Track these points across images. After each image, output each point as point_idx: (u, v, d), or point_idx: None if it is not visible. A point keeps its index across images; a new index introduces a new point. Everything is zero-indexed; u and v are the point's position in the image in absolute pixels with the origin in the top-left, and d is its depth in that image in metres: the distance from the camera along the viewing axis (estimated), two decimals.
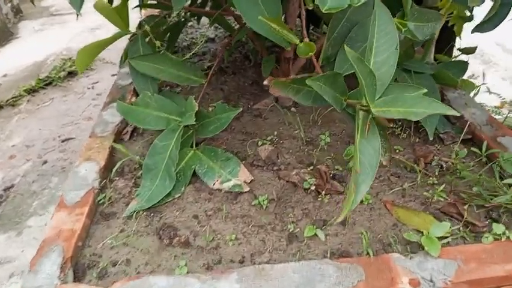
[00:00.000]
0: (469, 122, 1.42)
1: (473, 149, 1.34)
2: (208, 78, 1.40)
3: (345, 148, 1.43)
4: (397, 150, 1.40)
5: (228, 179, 1.32)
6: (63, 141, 2.54)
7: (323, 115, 1.59)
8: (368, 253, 1.03)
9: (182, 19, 1.92)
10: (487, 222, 1.11)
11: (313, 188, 1.25)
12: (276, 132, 1.53)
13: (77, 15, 1.24)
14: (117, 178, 1.40)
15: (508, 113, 1.95)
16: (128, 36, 1.51)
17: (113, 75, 3.35)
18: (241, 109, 1.28)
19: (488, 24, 1.36)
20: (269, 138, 1.50)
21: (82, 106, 2.99)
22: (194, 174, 1.34)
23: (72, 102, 2.99)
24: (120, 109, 1.40)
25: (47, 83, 3.22)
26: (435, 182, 1.25)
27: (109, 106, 1.70)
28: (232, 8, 1.60)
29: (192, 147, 1.39)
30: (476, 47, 1.77)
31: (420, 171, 1.29)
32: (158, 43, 1.27)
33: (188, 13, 1.98)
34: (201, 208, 1.26)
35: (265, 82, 1.01)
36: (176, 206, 1.28)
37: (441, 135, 1.44)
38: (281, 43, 1.07)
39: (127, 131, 1.61)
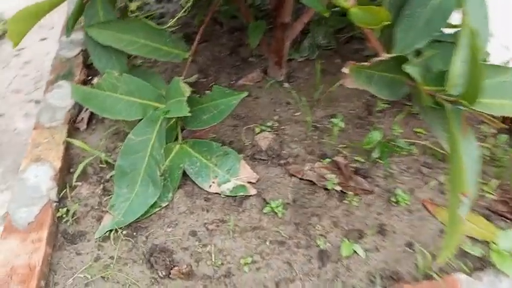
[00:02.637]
0: None
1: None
2: (192, 51, 1.09)
3: (360, 133, 1.20)
4: (419, 133, 1.20)
5: (226, 179, 1.04)
6: None
7: (324, 92, 1.34)
8: (427, 275, 0.83)
9: None
10: None
11: (338, 188, 1.02)
12: (273, 116, 1.26)
13: None
14: (79, 183, 1.07)
15: None
16: None
17: (42, 39, 2.83)
18: (246, 93, 1.00)
19: None
20: (268, 123, 1.23)
21: (8, 77, 2.49)
22: (184, 174, 1.05)
23: None
24: (77, 95, 1.05)
25: None
26: None
27: (54, 86, 1.33)
28: None
29: (176, 140, 1.09)
30: None
31: None
32: (133, 5, 0.92)
33: None
34: (198, 221, 0.98)
35: (344, 70, 0.70)
36: (165, 219, 0.99)
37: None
38: (315, 5, 0.78)
39: (82, 118, 1.27)
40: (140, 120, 1.04)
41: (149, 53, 1.02)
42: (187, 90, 0.91)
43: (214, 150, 1.07)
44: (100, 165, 1.12)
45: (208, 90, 1.37)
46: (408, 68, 0.71)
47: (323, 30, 1.47)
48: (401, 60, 0.73)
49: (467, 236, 0.93)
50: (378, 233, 0.94)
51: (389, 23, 0.70)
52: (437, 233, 0.95)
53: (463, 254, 0.89)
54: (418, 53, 0.79)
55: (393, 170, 1.09)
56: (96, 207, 1.02)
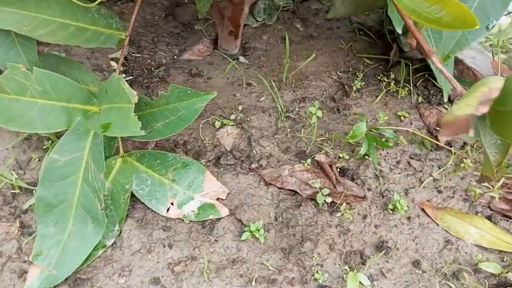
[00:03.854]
0: (472, 70, 1.13)
1: None
2: (130, 29, 0.79)
3: (337, 120, 1.02)
4: (402, 117, 1.05)
5: (188, 197, 0.82)
6: None
7: (291, 69, 1.12)
8: None
9: None
10: None
11: (328, 200, 0.84)
12: (234, 103, 1.03)
13: None
14: None
15: None
16: None
17: None
18: (215, 93, 0.74)
19: None
20: (229, 114, 1.00)
21: None
22: (131, 197, 0.81)
23: None
24: None
25: None
26: (470, 164, 0.95)
27: None
28: None
29: (117, 153, 0.82)
30: None
31: (443, 148, 0.98)
32: None
33: None
34: (159, 261, 0.76)
35: (441, 137, 0.42)
36: (114, 263, 0.75)
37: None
38: None
39: None
40: (65, 131, 0.75)
41: (70, 38, 0.71)
42: (134, 95, 0.64)
43: (169, 162, 0.82)
44: (12, 191, 0.83)
45: (145, 68, 1.10)
46: None
47: None
48: None
49: (473, 244, 0.82)
50: (380, 252, 0.79)
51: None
52: (443, 243, 0.83)
53: (475, 268, 0.78)
54: None
55: (382, 167, 0.94)
56: (15, 257, 0.74)
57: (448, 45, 0.68)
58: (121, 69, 1.08)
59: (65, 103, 0.75)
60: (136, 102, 0.65)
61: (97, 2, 0.69)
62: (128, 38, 0.79)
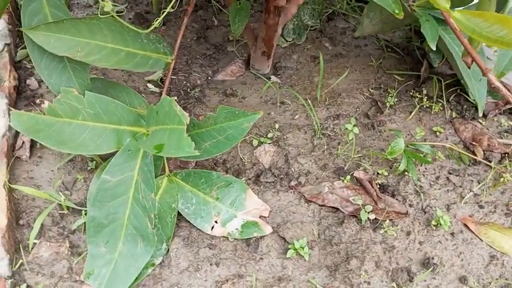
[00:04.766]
0: (505, 84, 1.13)
1: None
2: (174, 55, 0.81)
3: (373, 137, 1.03)
4: (437, 132, 1.05)
5: (232, 215, 0.83)
6: None
7: (323, 87, 1.14)
8: None
9: None
10: None
11: (372, 216, 0.85)
12: (270, 121, 1.04)
13: None
14: (36, 241, 0.80)
15: None
16: None
17: None
18: (261, 113, 0.76)
19: None
20: (266, 132, 1.01)
21: None
22: (178, 215, 0.82)
23: None
24: (20, 124, 0.75)
25: None
26: (509, 178, 0.95)
27: None
28: None
29: (163, 172, 0.84)
30: None
31: (481, 162, 0.97)
32: (107, 4, 0.61)
33: None
34: (207, 280, 0.77)
35: None
36: (164, 282, 0.76)
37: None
38: (388, 6, 0.53)
39: (23, 143, 0.95)
40: (116, 153, 0.77)
41: (121, 63, 0.73)
42: (186, 116, 0.66)
43: (213, 181, 0.84)
44: (60, 212, 0.85)
45: (182, 90, 1.13)
46: None
47: (309, 8, 1.24)
48: None
49: None
50: (427, 269, 0.79)
51: None
52: (488, 259, 0.82)
53: None
54: None
55: (422, 182, 0.94)
56: (66, 276, 0.76)
57: (502, 62, 0.68)
58: (159, 91, 1.11)
59: (115, 125, 0.78)
60: (187, 123, 0.67)
61: (149, 30, 0.71)
62: (173, 61, 0.82)
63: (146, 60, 0.78)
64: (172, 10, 0.69)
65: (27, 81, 1.08)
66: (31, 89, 1.06)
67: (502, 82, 1.12)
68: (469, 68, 0.66)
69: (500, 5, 0.61)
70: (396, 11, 0.53)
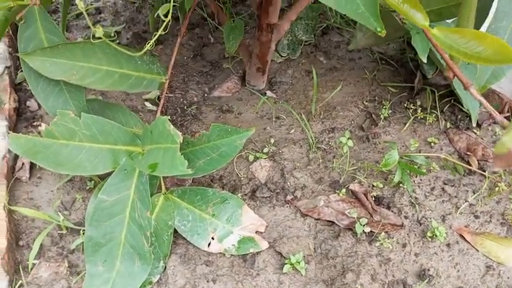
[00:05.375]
0: (498, 94, 1.14)
1: None
2: (168, 75, 0.83)
3: (367, 149, 1.04)
4: (432, 143, 1.06)
5: (228, 231, 0.84)
6: None
7: (318, 100, 1.15)
8: None
9: None
10: None
11: (367, 229, 0.85)
12: (265, 136, 1.06)
13: None
14: (36, 261, 0.81)
15: None
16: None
17: None
18: (253, 130, 0.78)
19: None
20: (261, 147, 1.03)
21: None
22: (175, 232, 0.83)
23: None
24: (18, 147, 0.77)
25: None
26: (504, 187, 0.95)
27: None
28: None
29: (159, 190, 0.85)
30: None
31: (476, 172, 0.98)
32: (99, 30, 0.63)
33: None
34: None
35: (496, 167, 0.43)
36: None
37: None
38: (370, 24, 0.55)
39: (23, 164, 0.97)
40: (112, 172, 0.79)
41: (115, 84, 0.76)
42: (179, 135, 0.68)
43: (209, 198, 0.85)
44: (59, 232, 0.86)
45: (178, 107, 1.15)
46: None
47: (303, 23, 1.27)
48: None
49: None
50: (423, 280, 0.79)
51: None
52: (484, 269, 0.82)
53: None
54: None
55: (417, 194, 0.94)
56: None
57: (484, 76, 0.70)
58: (156, 109, 1.13)
59: (111, 145, 0.79)
60: (181, 142, 0.69)
61: (142, 52, 0.73)
62: (168, 81, 0.84)
63: (140, 81, 0.80)
64: (163, 33, 0.71)
65: (27, 103, 1.11)
66: (31, 110, 1.08)
67: (495, 90, 1.14)
68: (451, 81, 0.67)
69: (478, 21, 0.62)
70: (379, 29, 0.54)
